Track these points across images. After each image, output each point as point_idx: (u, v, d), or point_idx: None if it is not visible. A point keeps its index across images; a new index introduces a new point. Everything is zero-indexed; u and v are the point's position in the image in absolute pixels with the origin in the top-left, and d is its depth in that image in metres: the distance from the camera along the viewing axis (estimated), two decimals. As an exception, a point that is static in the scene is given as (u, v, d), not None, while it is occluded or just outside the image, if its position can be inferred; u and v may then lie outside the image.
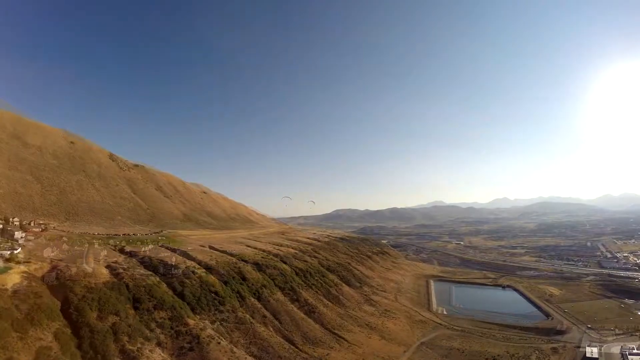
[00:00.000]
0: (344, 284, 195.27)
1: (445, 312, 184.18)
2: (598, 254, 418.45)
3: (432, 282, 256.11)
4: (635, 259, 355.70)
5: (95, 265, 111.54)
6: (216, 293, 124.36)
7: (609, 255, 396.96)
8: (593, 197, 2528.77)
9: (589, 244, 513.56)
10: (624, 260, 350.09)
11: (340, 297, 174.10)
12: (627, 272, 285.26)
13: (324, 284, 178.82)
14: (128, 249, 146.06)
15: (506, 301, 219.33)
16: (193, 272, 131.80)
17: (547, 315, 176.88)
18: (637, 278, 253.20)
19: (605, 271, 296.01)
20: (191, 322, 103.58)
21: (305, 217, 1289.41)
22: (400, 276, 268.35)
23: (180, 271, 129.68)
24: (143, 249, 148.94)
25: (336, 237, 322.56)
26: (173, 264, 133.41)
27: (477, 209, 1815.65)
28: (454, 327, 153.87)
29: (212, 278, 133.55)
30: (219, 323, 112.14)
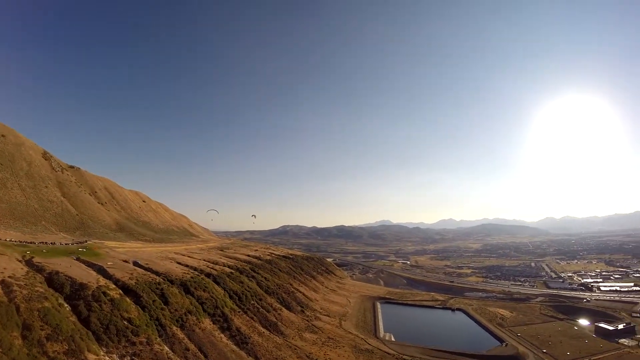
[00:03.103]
0: (284, 308, 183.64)
1: (393, 339, 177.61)
2: (543, 274, 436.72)
3: (378, 305, 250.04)
4: (580, 278, 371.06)
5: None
6: (130, 320, 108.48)
7: (554, 276, 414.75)
8: (535, 220, 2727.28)
9: (533, 264, 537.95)
10: (569, 281, 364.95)
11: (279, 323, 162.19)
12: (574, 292, 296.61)
13: (261, 309, 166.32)
14: (37, 260, 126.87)
15: (457, 325, 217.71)
16: (105, 293, 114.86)
17: (501, 340, 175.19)
18: (585, 298, 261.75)
19: (552, 291, 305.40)
20: (92, 357, 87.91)
21: (252, 232, 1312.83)
22: (345, 298, 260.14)
23: (90, 292, 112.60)
24: (55, 261, 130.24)
25: (279, 255, 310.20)
26: (83, 282, 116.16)
27: (424, 229, 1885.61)
28: (404, 357, 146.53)
29: (127, 301, 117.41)
30: (129, 358, 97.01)
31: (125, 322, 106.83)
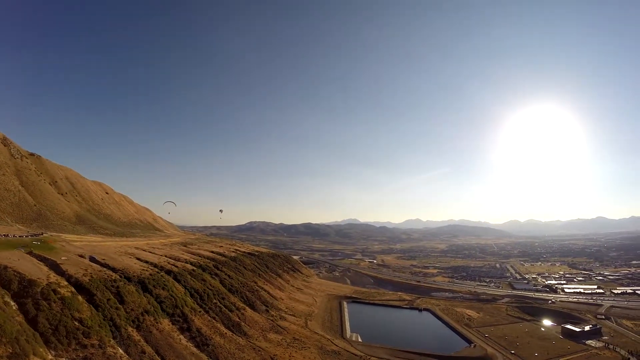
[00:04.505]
0: (247, 308, 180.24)
1: (360, 339, 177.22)
2: (508, 275, 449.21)
3: (345, 304, 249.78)
4: (544, 280, 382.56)
5: None
6: (81, 321, 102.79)
7: (519, 277, 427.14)
8: (501, 222, 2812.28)
9: (498, 265, 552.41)
10: (533, 282, 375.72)
11: (243, 323, 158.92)
12: (539, 294, 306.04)
13: (223, 308, 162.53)
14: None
15: (424, 326, 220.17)
16: (55, 291, 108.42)
17: (469, 341, 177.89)
18: (550, 299, 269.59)
19: (518, 292, 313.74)
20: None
21: (219, 227, 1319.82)
22: (311, 297, 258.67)
23: (39, 289, 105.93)
24: (5, 255, 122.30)
25: (244, 252, 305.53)
26: (33, 278, 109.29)
27: (390, 228, 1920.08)
28: (371, 359, 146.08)
29: (79, 300, 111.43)
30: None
31: (77, 323, 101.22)
